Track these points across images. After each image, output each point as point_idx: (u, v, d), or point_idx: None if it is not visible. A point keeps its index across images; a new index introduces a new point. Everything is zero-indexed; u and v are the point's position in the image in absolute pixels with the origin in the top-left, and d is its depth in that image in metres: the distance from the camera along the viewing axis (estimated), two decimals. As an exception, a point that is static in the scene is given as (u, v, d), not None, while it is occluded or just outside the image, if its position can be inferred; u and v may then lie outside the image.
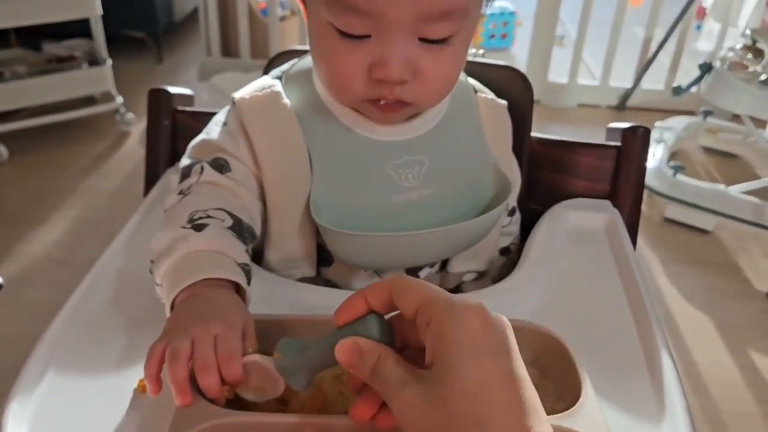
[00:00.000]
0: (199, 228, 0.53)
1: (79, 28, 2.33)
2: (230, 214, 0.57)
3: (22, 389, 0.49)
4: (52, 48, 2.43)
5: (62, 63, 2.30)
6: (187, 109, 0.80)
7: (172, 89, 0.79)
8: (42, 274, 1.67)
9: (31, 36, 2.45)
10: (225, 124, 0.62)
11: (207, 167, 0.59)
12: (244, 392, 0.45)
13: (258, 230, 0.60)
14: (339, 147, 0.60)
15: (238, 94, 0.62)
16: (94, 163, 2.22)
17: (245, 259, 0.55)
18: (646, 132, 0.74)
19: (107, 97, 2.37)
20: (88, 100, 2.40)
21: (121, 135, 2.39)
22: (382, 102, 0.55)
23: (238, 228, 0.57)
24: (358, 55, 0.52)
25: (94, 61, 2.33)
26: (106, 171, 2.16)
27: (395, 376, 0.37)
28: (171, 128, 0.78)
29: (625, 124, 0.76)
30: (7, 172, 2.14)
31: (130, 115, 2.40)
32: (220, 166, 0.60)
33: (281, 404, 0.48)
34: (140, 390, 0.50)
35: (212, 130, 0.63)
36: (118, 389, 0.50)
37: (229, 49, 2.80)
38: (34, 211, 1.92)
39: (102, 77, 2.30)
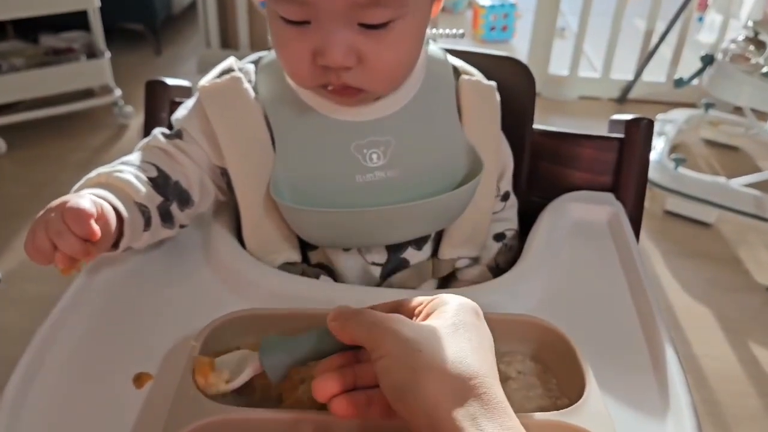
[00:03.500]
0: (112, 168, 0.58)
1: (77, 21, 2.31)
2: (158, 169, 0.61)
3: (17, 383, 0.48)
4: (49, 40, 2.42)
5: (60, 55, 2.29)
6: (184, 100, 0.78)
7: (170, 81, 0.78)
8: (39, 269, 1.62)
9: (29, 28, 2.44)
10: (189, 107, 0.65)
11: (159, 135, 0.64)
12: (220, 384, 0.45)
13: (195, 198, 0.63)
14: (302, 128, 0.61)
15: (201, 81, 0.64)
16: (92, 156, 2.20)
17: (147, 202, 0.58)
18: (650, 124, 0.73)
19: (105, 90, 2.35)
20: (87, 93, 2.38)
21: (119, 128, 2.38)
22: (329, 87, 0.56)
23: (162, 181, 0.60)
24: (301, 41, 0.53)
25: (92, 53, 2.31)
26: (104, 164, 2.15)
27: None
28: (168, 120, 0.77)
29: (629, 116, 0.75)
30: (5, 166, 2.13)
31: (128, 108, 2.39)
32: (172, 135, 0.64)
33: (278, 400, 0.48)
34: (137, 385, 0.50)
35: (180, 111, 0.66)
36: (113, 384, 0.49)
37: (228, 41, 2.79)
38: (32, 205, 1.90)
39: (100, 70, 2.29)
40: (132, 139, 2.32)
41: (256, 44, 2.74)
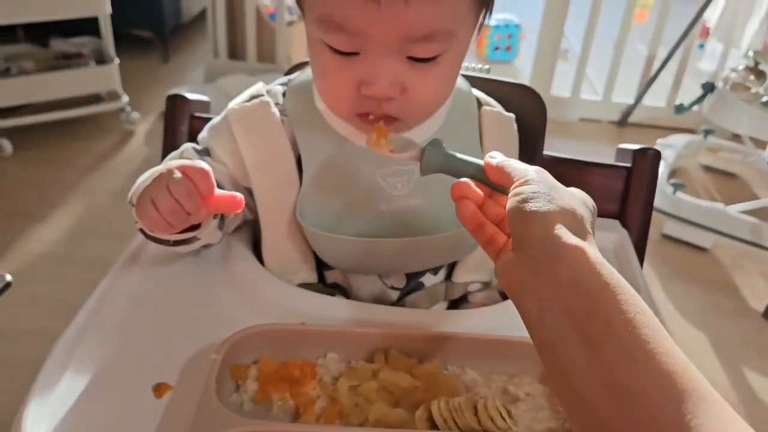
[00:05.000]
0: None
1: (87, 26, 2.34)
2: None
3: (41, 388, 0.49)
4: (59, 45, 2.44)
5: (69, 60, 2.31)
6: (204, 115, 0.80)
7: (190, 95, 0.80)
8: (43, 271, 1.67)
9: (39, 32, 2.46)
10: (217, 127, 0.66)
11: (190, 148, 0.66)
12: (377, 147, 0.52)
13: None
14: (329, 154, 0.62)
15: (231, 103, 0.65)
16: (98, 161, 2.22)
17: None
18: (657, 154, 0.75)
19: (113, 96, 2.37)
20: (94, 98, 2.39)
21: (125, 134, 2.39)
22: (370, 117, 0.57)
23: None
24: (347, 71, 0.54)
25: (101, 59, 2.33)
26: (109, 169, 2.17)
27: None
28: (188, 134, 0.79)
29: (636, 146, 0.77)
30: (11, 168, 2.14)
31: (135, 115, 2.41)
32: (201, 151, 0.66)
33: (295, 415, 0.49)
34: (156, 395, 0.51)
35: (206, 130, 0.67)
36: (133, 392, 0.50)
37: (235, 51, 2.81)
38: (37, 207, 1.92)
39: (109, 76, 2.31)
40: (138, 145, 2.34)
41: (263, 56, 2.77)
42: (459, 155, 0.49)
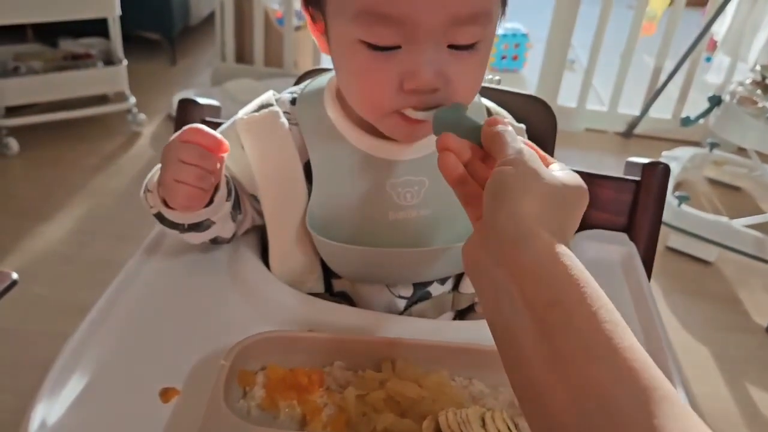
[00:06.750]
0: None
1: (96, 27, 2.35)
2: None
3: (48, 390, 0.49)
4: (68, 45, 2.46)
5: (78, 60, 2.33)
6: (214, 120, 0.81)
7: (201, 100, 0.80)
8: (47, 270, 1.67)
9: (48, 32, 2.47)
10: (224, 135, 0.65)
11: None
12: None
13: (242, 212, 0.65)
14: (340, 163, 0.62)
15: (240, 112, 0.65)
16: (103, 161, 2.23)
17: (229, 179, 0.62)
18: (666, 169, 0.75)
19: (120, 97, 2.38)
20: (101, 99, 2.41)
21: (132, 135, 2.40)
22: (409, 111, 0.55)
23: (225, 179, 0.62)
24: (388, 67, 0.52)
25: (109, 60, 2.35)
26: (115, 170, 2.18)
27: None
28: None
29: (645, 160, 0.77)
30: (17, 167, 2.15)
31: (141, 116, 2.42)
32: None
33: (302, 422, 0.49)
34: (163, 399, 0.51)
35: None
36: (142, 395, 0.50)
37: (243, 55, 2.82)
38: (42, 207, 1.93)
39: (117, 77, 2.32)
40: (144, 146, 2.34)
41: (271, 60, 2.78)
42: (472, 118, 0.50)
